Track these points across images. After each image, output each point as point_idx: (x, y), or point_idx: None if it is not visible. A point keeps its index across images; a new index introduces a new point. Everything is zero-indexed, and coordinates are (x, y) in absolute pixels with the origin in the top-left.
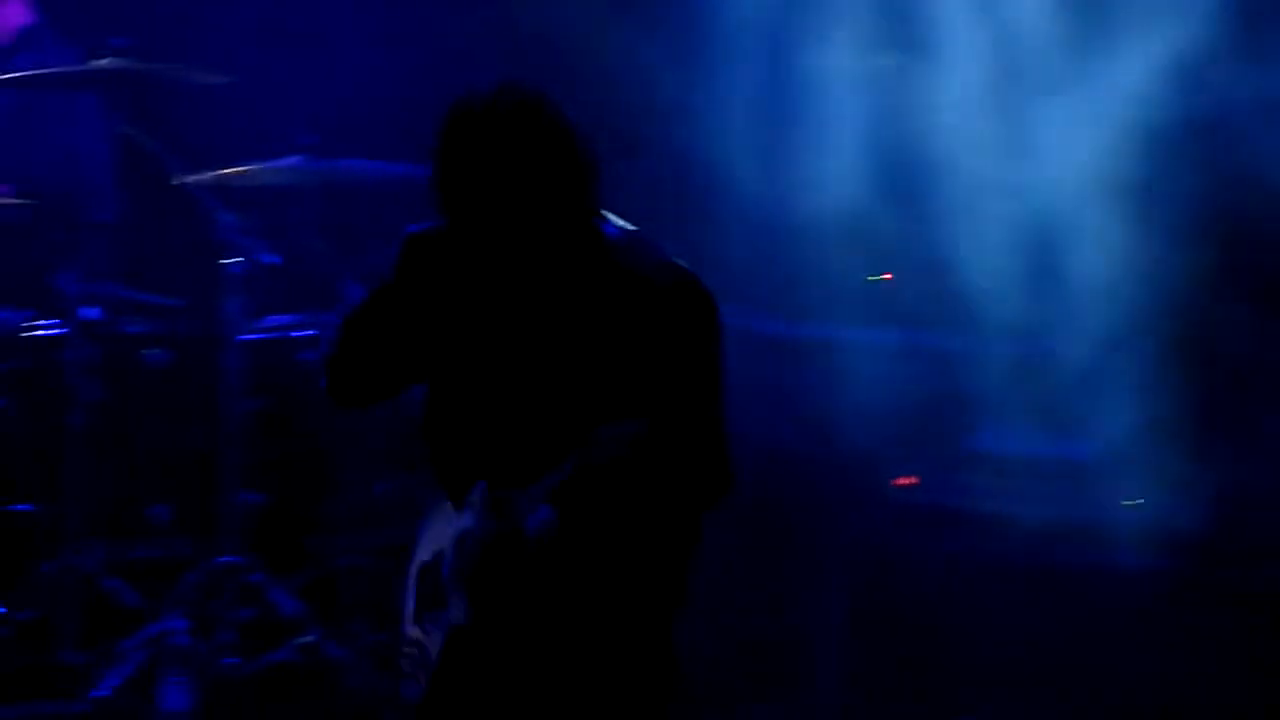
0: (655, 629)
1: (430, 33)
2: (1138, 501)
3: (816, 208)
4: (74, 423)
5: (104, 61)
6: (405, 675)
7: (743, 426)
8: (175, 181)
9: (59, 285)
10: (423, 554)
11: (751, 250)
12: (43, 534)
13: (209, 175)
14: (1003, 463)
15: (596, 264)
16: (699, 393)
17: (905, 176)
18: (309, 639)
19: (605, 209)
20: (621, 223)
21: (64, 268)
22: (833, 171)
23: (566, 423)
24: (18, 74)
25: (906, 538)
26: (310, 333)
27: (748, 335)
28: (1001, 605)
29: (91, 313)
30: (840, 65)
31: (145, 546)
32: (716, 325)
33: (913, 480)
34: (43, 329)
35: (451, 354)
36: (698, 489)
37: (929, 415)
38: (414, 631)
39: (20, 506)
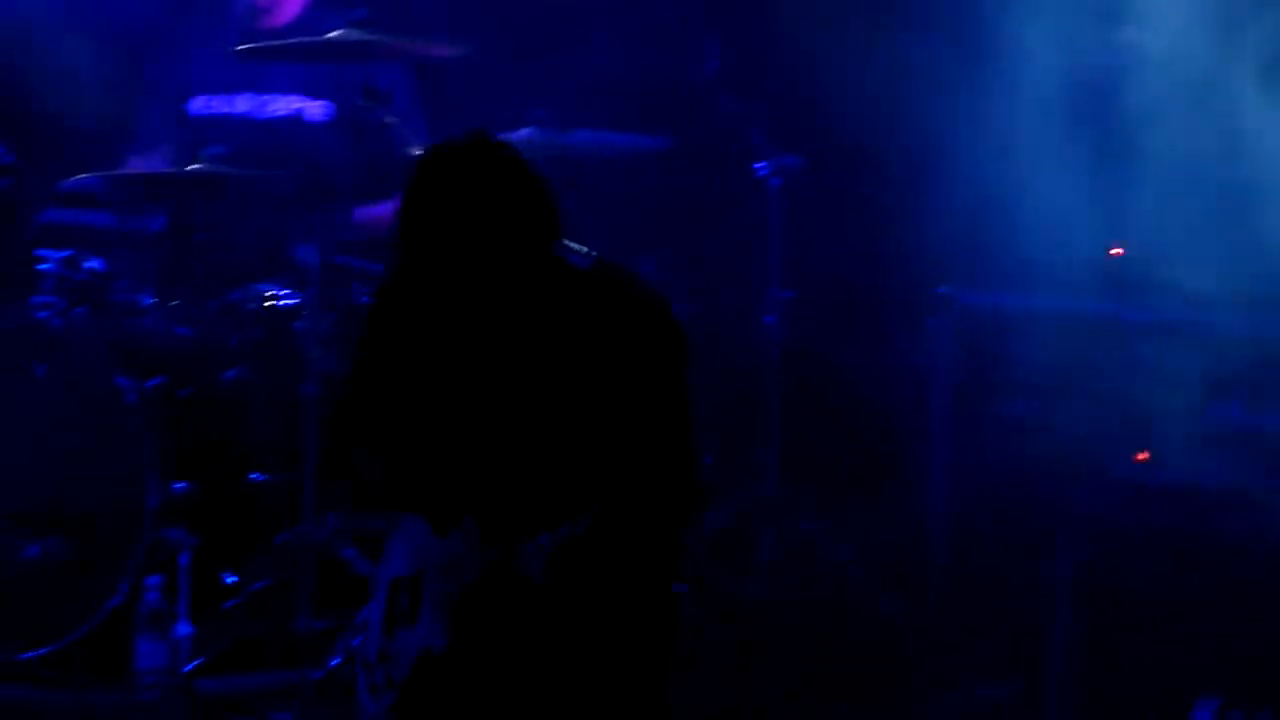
0: (647, 663)
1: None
2: None
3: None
4: (309, 393)
5: (338, 33)
6: (370, 688)
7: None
8: (408, 153)
9: (298, 257)
10: (397, 567)
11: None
12: (278, 504)
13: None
14: (1240, 438)
15: (561, 295)
16: (669, 416)
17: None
18: None
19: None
20: (584, 250)
21: (303, 240)
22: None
23: (544, 450)
24: (255, 45)
25: (1138, 514)
26: None
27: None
28: (1236, 582)
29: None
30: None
31: (379, 516)
32: (682, 347)
33: (1146, 456)
34: (280, 300)
35: (427, 390)
36: (675, 515)
37: (1162, 390)
38: (380, 644)
39: (256, 476)
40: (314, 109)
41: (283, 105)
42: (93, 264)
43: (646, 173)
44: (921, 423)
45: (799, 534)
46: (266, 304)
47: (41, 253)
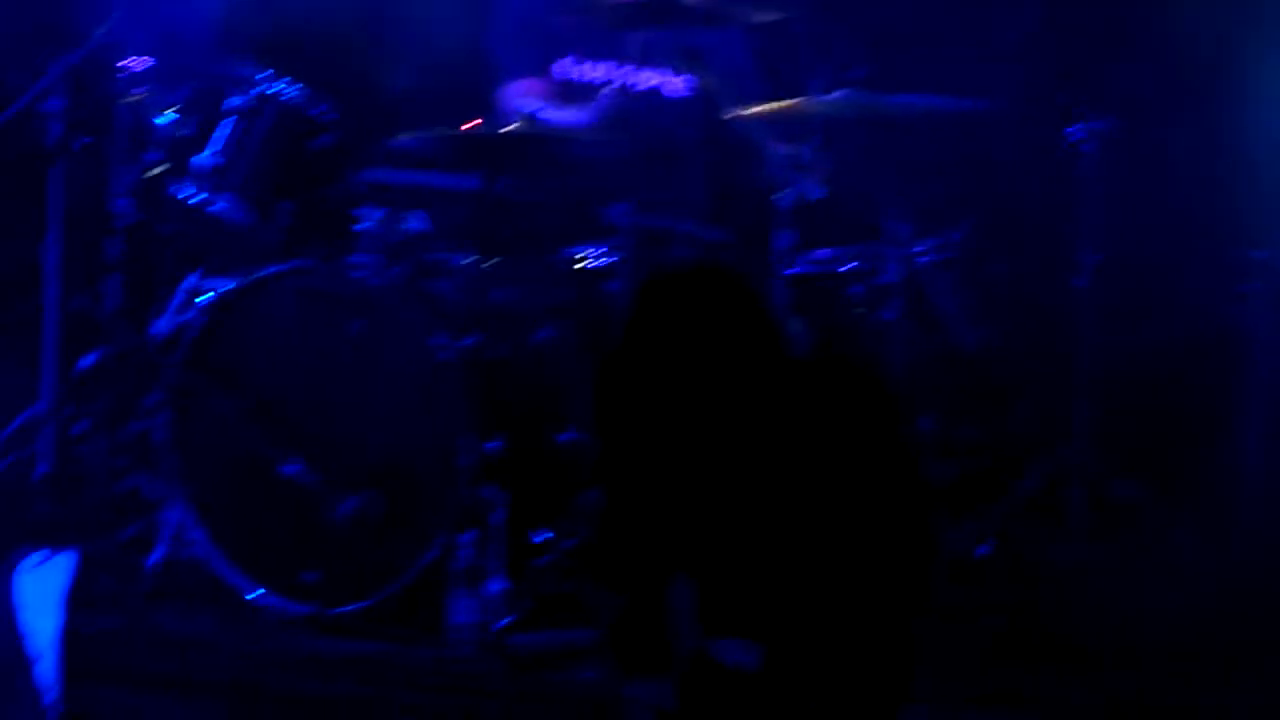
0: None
1: None
2: None
3: None
4: None
5: None
6: None
7: None
8: (728, 116)
9: (610, 217)
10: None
11: None
12: (588, 464)
13: (760, 108)
14: None
15: (784, 390)
16: (898, 496)
17: None
18: None
19: None
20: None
21: (616, 200)
22: None
23: (772, 540)
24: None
25: None
26: (857, 266)
27: None
28: None
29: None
30: None
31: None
32: (898, 422)
33: None
34: (593, 261)
35: (663, 481)
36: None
37: None
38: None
39: (567, 436)
40: (675, 84)
41: (646, 77)
42: (410, 223)
43: (960, 135)
44: (1236, 390)
45: (1111, 498)
46: (579, 265)
47: (360, 211)
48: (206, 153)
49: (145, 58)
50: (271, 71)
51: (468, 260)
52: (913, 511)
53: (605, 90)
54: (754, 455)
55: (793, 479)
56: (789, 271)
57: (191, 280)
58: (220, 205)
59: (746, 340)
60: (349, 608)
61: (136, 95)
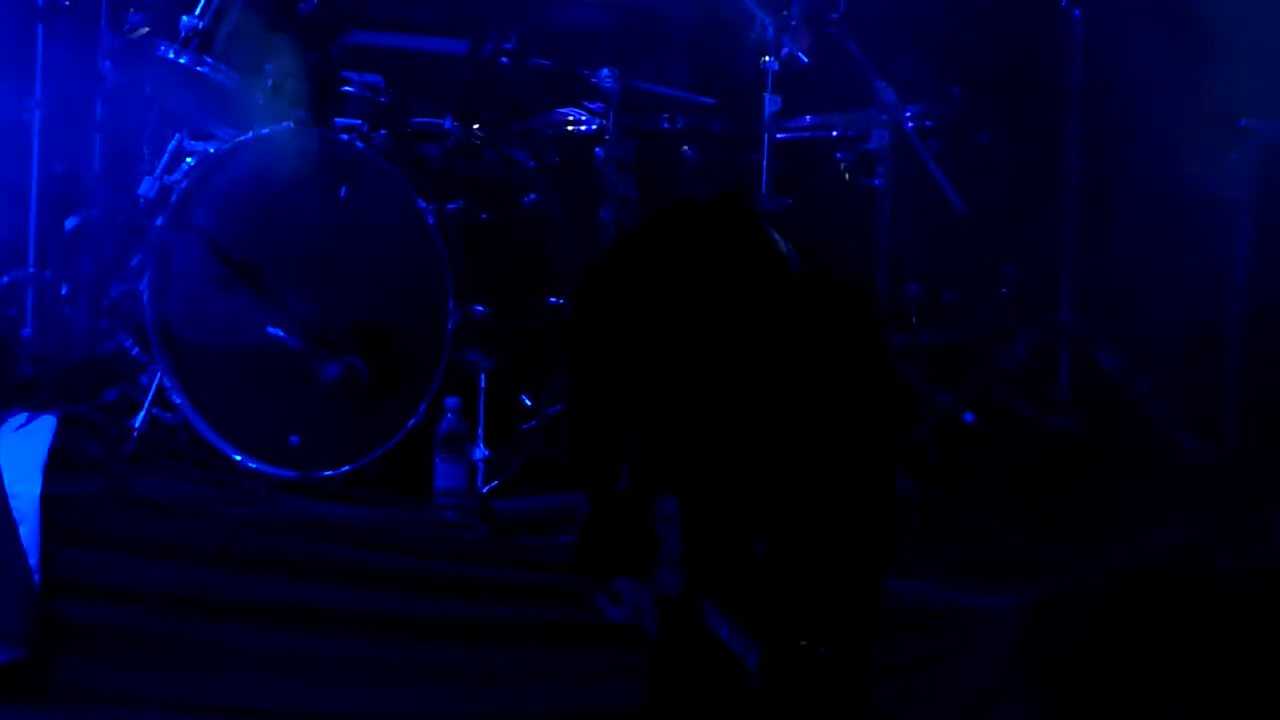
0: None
1: None
2: None
3: None
4: (607, 218)
5: None
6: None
7: None
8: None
9: (597, 81)
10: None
11: None
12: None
13: None
14: None
15: (778, 312)
16: (872, 422)
17: None
18: None
19: None
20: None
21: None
22: None
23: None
24: None
25: None
26: (844, 132)
27: None
28: None
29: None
30: None
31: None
32: (882, 347)
33: None
34: (580, 125)
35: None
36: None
37: None
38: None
39: (554, 300)
40: None
41: None
42: (396, 87)
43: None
44: (1223, 256)
45: (1097, 365)
46: (567, 129)
47: (347, 75)
48: (193, 14)
49: None
50: None
51: (454, 125)
52: (882, 439)
53: None
54: (741, 372)
55: (776, 397)
56: (777, 137)
57: (176, 142)
58: (206, 67)
59: (746, 263)
60: (333, 472)
61: None
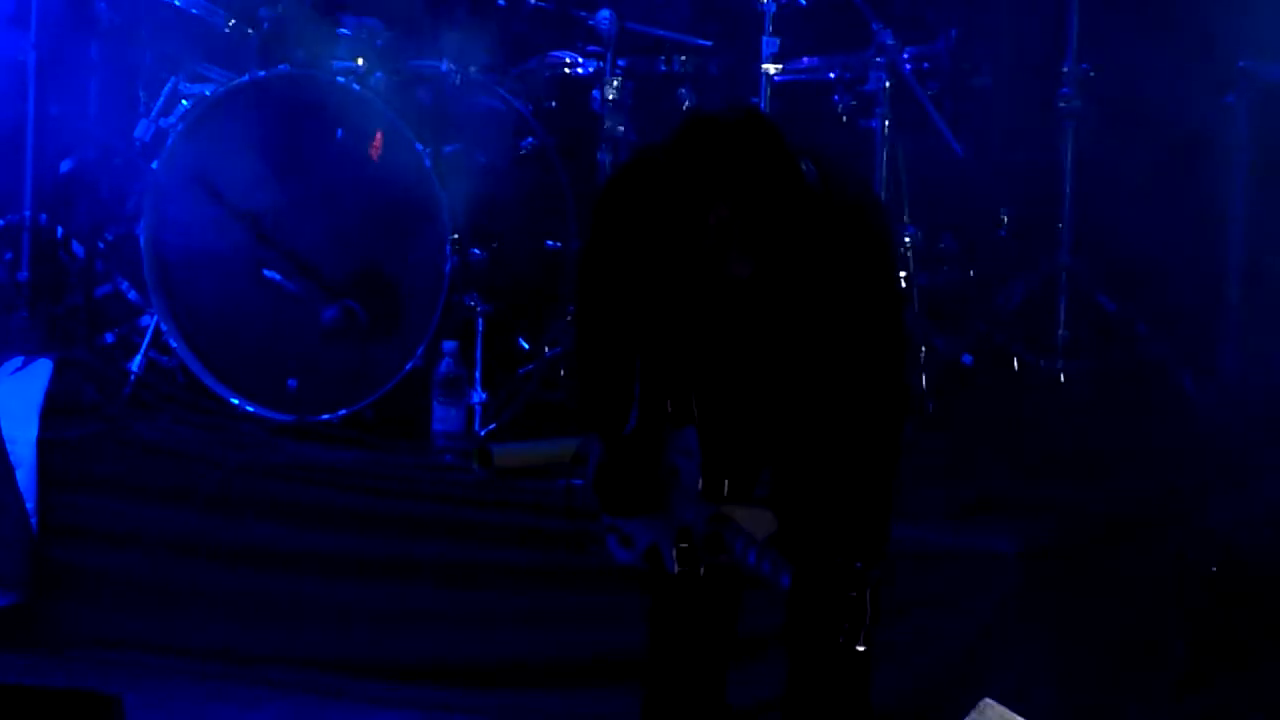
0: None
1: None
2: None
3: None
4: (604, 160)
5: None
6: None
7: None
8: None
9: (594, 23)
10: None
11: None
12: (573, 271)
13: None
14: None
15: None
16: (884, 339)
17: None
18: None
19: None
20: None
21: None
22: None
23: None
24: None
25: None
26: (842, 74)
27: None
28: None
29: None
30: None
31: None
32: (894, 267)
33: None
34: (577, 68)
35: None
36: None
37: None
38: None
39: (552, 244)
40: None
41: None
42: (392, 29)
43: None
44: (1221, 198)
45: (1096, 308)
46: (564, 71)
47: (344, 17)
48: None
49: None
50: None
51: (450, 67)
52: (894, 359)
53: None
54: (760, 288)
55: (795, 311)
56: (774, 79)
57: (172, 85)
58: (201, 10)
59: (767, 178)
60: (331, 416)
61: None
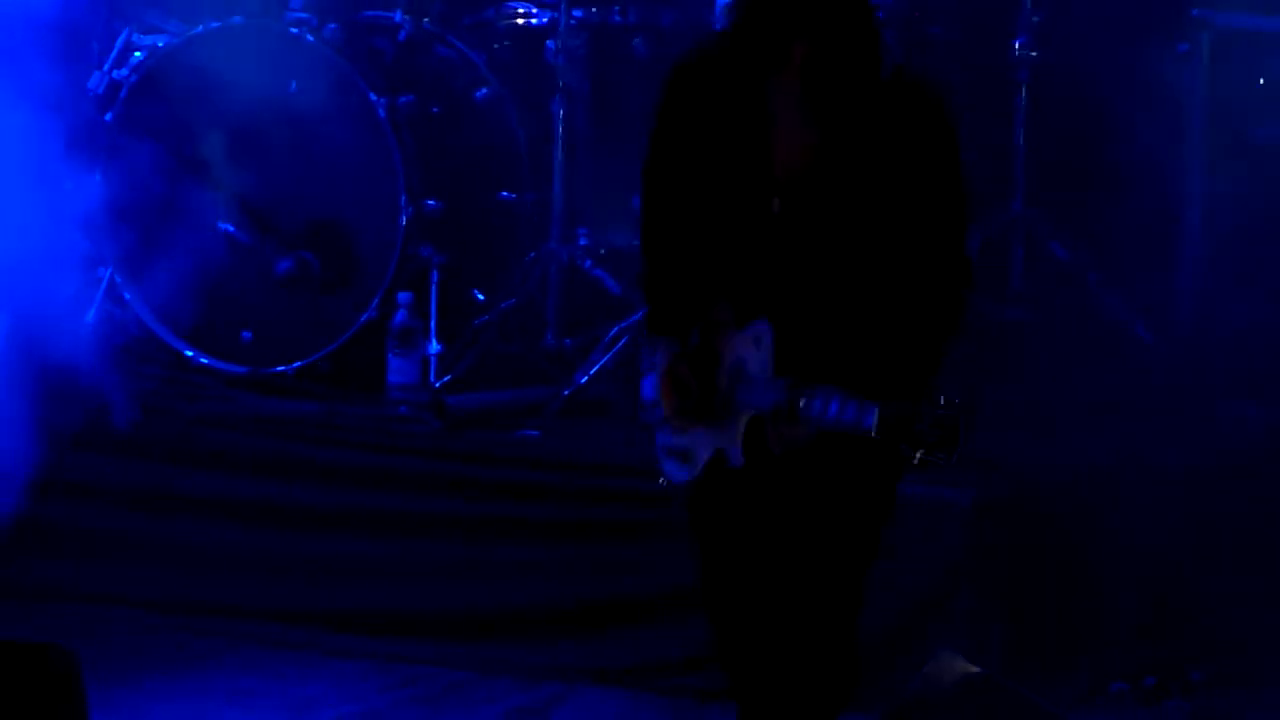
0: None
1: None
2: None
3: None
4: (558, 111)
5: None
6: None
7: None
8: None
9: None
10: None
11: None
12: (528, 222)
13: None
14: None
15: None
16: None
17: None
18: None
19: None
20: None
21: None
22: None
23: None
24: None
25: None
26: None
27: None
28: None
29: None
30: None
31: (628, 234)
32: (954, 143)
33: None
34: (532, 18)
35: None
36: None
37: None
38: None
39: (506, 195)
40: None
41: None
42: None
43: None
44: (1176, 147)
45: (1049, 257)
46: (518, 22)
47: None
48: None
49: None
50: None
51: (405, 18)
52: (959, 227)
53: None
54: (830, 162)
55: (864, 177)
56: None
57: (125, 36)
58: None
59: (850, 18)
60: (286, 368)
61: None
